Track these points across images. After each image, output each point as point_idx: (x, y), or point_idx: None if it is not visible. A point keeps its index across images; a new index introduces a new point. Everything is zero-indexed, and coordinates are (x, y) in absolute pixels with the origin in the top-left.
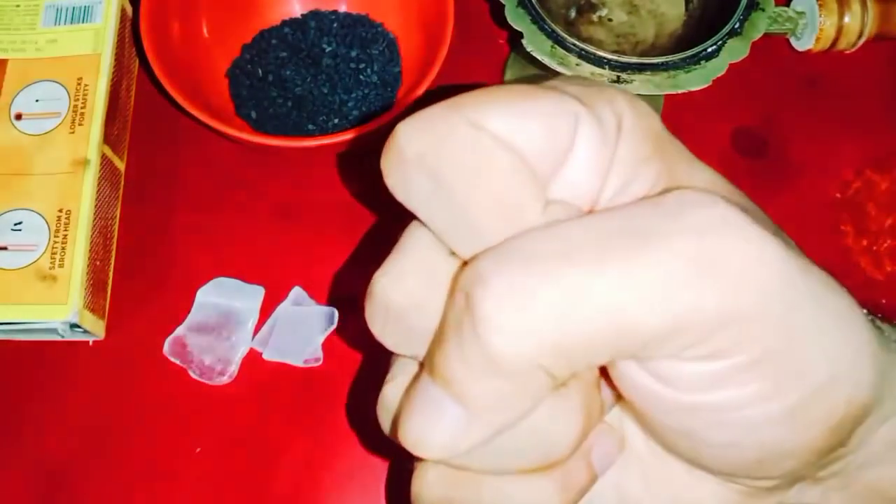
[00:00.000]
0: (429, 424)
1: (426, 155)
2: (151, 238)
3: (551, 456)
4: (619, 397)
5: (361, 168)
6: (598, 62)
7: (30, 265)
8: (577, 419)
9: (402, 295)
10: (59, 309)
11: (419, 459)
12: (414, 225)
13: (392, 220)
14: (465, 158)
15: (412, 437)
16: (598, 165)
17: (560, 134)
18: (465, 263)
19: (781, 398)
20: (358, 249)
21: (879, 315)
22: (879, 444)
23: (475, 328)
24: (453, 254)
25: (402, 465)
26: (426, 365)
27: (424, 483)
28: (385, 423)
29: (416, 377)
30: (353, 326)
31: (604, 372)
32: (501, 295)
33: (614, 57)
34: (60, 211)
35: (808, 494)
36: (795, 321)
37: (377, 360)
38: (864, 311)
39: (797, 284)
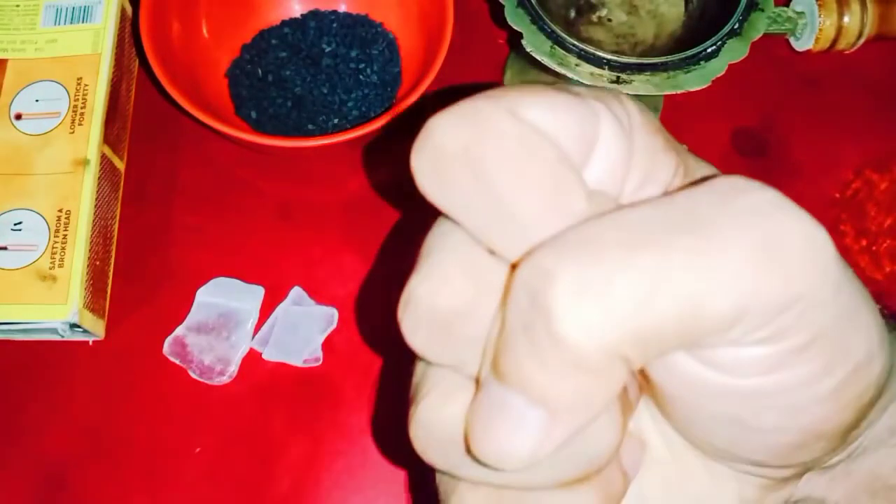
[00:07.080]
0: (512, 434)
1: (469, 148)
2: (151, 238)
3: (596, 463)
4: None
5: (361, 168)
6: (598, 62)
7: (30, 265)
8: (617, 423)
9: (450, 301)
10: (59, 309)
11: (446, 476)
12: (443, 226)
13: (395, 220)
14: (511, 149)
15: (495, 452)
16: (621, 158)
17: (588, 126)
18: (513, 264)
19: (828, 378)
20: (358, 249)
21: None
22: (882, 428)
23: (549, 326)
24: (493, 254)
25: (424, 480)
26: (495, 373)
27: None
28: (423, 444)
29: (478, 390)
30: (352, 326)
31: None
32: (573, 288)
33: (614, 57)
34: (60, 211)
35: (815, 484)
36: (841, 300)
37: (377, 361)
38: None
39: (841, 265)
